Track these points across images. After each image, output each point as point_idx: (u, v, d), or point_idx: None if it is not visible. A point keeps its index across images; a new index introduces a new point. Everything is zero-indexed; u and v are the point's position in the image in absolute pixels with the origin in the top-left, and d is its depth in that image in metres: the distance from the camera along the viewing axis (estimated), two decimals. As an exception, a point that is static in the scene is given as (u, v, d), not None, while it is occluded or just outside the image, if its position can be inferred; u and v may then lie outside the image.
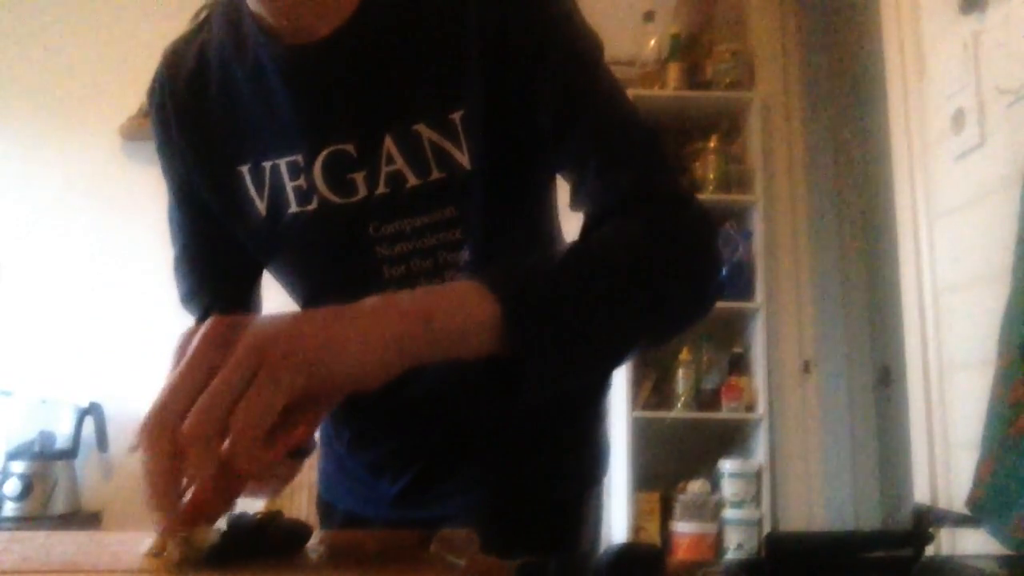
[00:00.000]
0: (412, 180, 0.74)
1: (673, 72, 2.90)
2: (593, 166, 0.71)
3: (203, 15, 0.83)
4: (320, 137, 0.76)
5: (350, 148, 0.75)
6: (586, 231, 0.70)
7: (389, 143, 0.74)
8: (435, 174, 0.74)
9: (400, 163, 0.74)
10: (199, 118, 0.80)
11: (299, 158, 0.76)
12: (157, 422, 0.47)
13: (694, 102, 2.94)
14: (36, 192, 3.14)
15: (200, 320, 0.86)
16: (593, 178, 0.71)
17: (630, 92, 2.85)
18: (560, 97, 0.72)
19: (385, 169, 0.75)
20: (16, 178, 3.15)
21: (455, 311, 0.53)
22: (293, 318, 0.51)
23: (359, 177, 0.75)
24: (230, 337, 0.49)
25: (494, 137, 0.73)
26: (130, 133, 3.10)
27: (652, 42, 2.95)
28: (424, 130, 0.73)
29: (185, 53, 0.82)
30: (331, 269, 0.82)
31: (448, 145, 0.74)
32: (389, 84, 0.74)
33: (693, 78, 2.93)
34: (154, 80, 0.84)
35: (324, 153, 0.76)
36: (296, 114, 0.76)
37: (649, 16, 2.97)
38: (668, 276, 0.65)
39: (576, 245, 0.66)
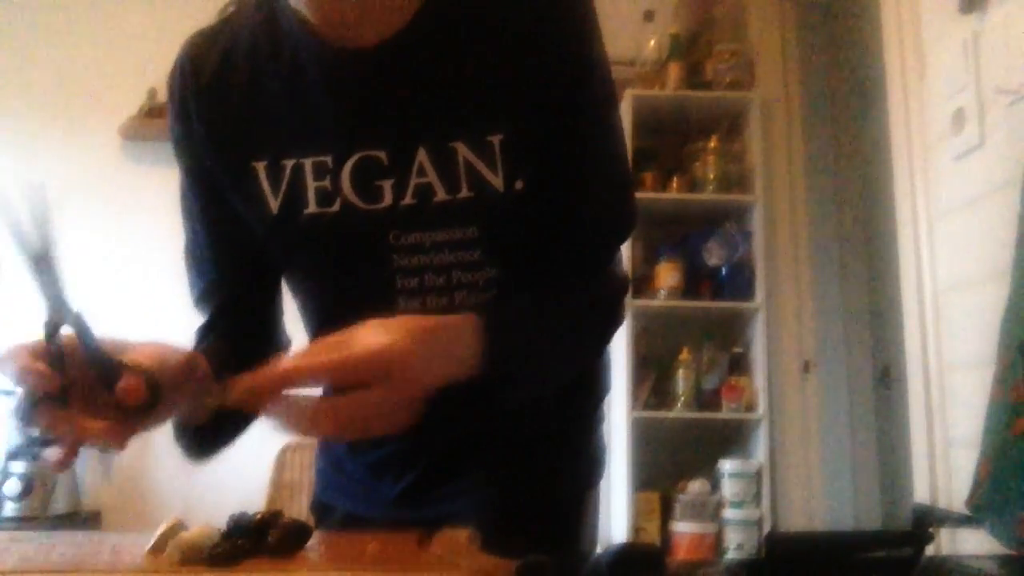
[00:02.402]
0: (441, 195, 0.76)
1: (673, 72, 2.90)
2: (578, 221, 0.80)
3: (231, 9, 0.84)
4: (353, 141, 0.76)
5: (382, 155, 0.76)
6: (556, 273, 0.81)
7: (423, 155, 0.75)
8: (464, 192, 0.75)
9: (432, 176, 0.76)
10: (221, 110, 0.80)
11: (328, 160, 0.77)
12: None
13: (694, 102, 2.94)
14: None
15: (214, 313, 0.88)
16: (576, 231, 0.81)
17: (630, 92, 2.84)
18: (577, 145, 0.78)
19: (415, 180, 0.76)
20: (16, 178, 3.15)
21: (469, 356, 0.66)
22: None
23: (387, 185, 0.76)
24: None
25: (530, 165, 0.75)
26: (130, 133, 3.11)
27: (652, 42, 2.95)
28: (461, 148, 0.75)
29: (210, 43, 0.82)
30: (345, 274, 0.82)
31: (482, 166, 0.75)
32: (432, 99, 0.75)
33: (693, 78, 2.93)
34: (175, 67, 0.84)
35: (355, 157, 0.76)
36: (332, 116, 0.77)
37: (649, 16, 2.97)
38: (599, 341, 0.86)
39: (546, 304, 0.77)
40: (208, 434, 0.77)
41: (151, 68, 3.17)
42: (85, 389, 0.60)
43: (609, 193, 0.82)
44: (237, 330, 0.86)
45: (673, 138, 3.03)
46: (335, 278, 0.84)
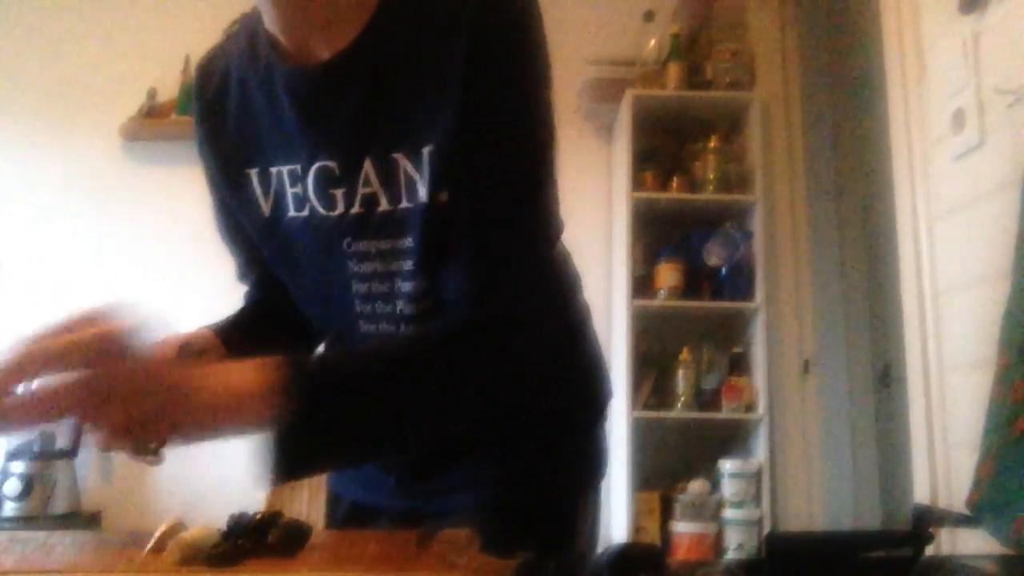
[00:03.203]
0: (384, 205, 0.79)
1: (673, 72, 2.90)
2: (464, 260, 0.76)
3: (234, 28, 0.90)
4: (313, 151, 0.81)
5: (334, 166, 0.80)
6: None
7: (368, 166, 0.79)
8: (404, 203, 0.78)
9: (376, 187, 0.79)
10: (220, 123, 0.88)
11: (298, 168, 0.82)
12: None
13: (694, 102, 2.94)
14: (36, 192, 3.14)
15: (249, 293, 1.00)
16: (462, 271, 0.76)
17: (630, 92, 2.85)
18: (484, 168, 0.75)
19: (361, 190, 0.80)
20: (17, 178, 3.15)
21: (241, 416, 0.61)
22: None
23: (339, 194, 0.81)
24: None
25: (453, 178, 0.76)
26: (130, 133, 3.11)
27: (652, 42, 2.95)
28: (401, 159, 0.77)
29: (213, 62, 0.90)
30: (313, 275, 0.88)
31: (417, 177, 0.77)
32: (376, 111, 0.78)
33: (693, 78, 2.93)
34: (192, 84, 0.92)
35: (315, 167, 0.81)
36: (297, 128, 0.82)
37: (649, 16, 2.97)
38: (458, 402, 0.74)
39: (385, 357, 0.72)
40: None
41: (151, 68, 3.17)
42: None
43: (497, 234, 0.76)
44: (268, 304, 0.97)
45: (673, 138, 3.03)
46: (306, 278, 0.89)
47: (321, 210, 0.82)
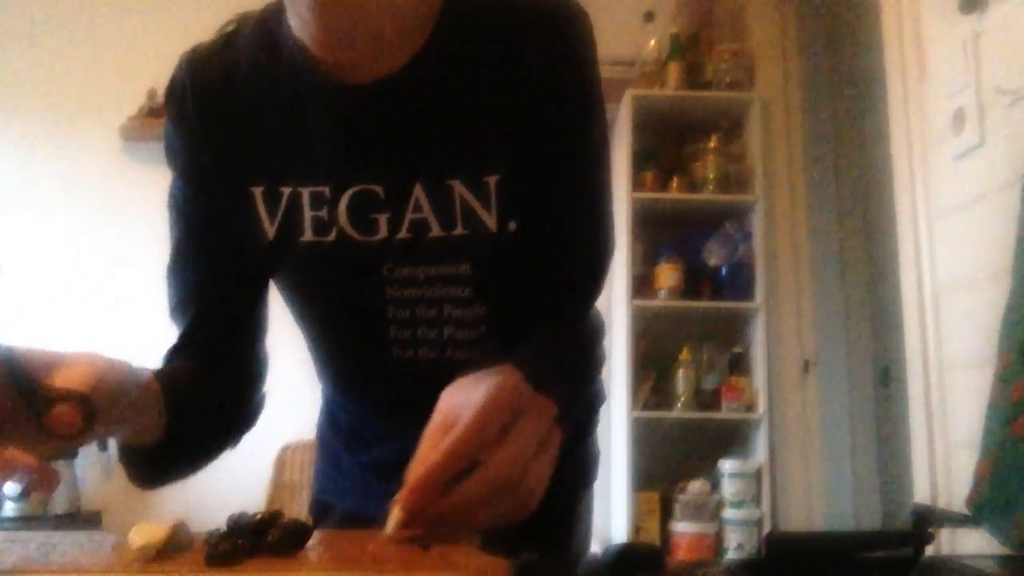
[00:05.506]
0: (436, 231, 0.76)
1: (673, 72, 2.90)
2: (563, 264, 0.80)
3: (231, 28, 0.82)
4: (350, 174, 0.76)
5: (378, 190, 0.76)
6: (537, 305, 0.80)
7: (419, 191, 0.76)
8: (459, 229, 0.76)
9: (427, 212, 0.76)
10: (222, 131, 0.79)
11: (325, 190, 0.77)
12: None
13: (694, 102, 2.94)
14: (36, 192, 3.15)
15: (187, 331, 0.83)
16: (559, 273, 0.80)
17: (630, 92, 2.84)
18: (573, 188, 0.78)
19: (410, 215, 0.76)
20: (17, 178, 3.15)
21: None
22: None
23: (382, 219, 0.77)
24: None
25: (524, 205, 0.76)
26: (130, 133, 3.11)
27: (652, 42, 2.95)
28: (458, 186, 0.75)
29: (209, 62, 0.80)
30: (338, 301, 0.83)
31: (478, 205, 0.75)
32: (431, 137, 0.76)
33: (693, 78, 2.94)
34: (176, 80, 0.81)
35: (351, 190, 0.76)
36: (331, 149, 0.77)
37: (649, 16, 2.97)
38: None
39: (567, 335, 0.78)
40: (157, 460, 0.72)
41: (151, 68, 3.16)
42: (11, 419, 0.56)
43: (592, 236, 0.81)
44: (208, 348, 0.82)
45: (673, 138, 3.03)
46: (328, 304, 0.84)
47: (356, 235, 0.77)
